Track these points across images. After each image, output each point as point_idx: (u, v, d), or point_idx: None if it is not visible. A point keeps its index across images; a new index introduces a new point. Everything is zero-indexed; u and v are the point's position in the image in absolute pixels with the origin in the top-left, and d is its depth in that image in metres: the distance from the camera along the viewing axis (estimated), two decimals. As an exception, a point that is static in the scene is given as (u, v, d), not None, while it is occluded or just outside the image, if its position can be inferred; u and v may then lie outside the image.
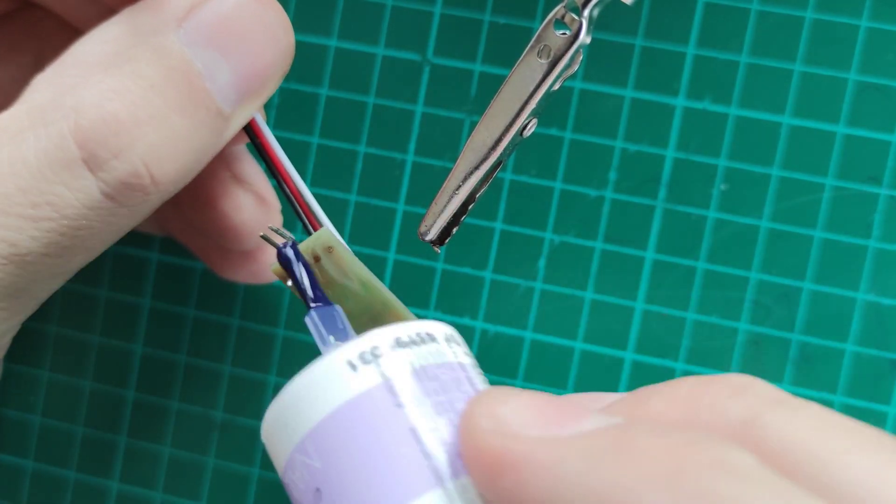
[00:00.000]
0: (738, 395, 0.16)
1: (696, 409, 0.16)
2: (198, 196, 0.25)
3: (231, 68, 0.21)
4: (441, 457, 0.15)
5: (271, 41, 0.22)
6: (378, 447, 0.15)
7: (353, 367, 0.16)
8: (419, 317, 0.28)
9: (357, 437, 0.15)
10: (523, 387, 0.28)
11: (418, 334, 0.17)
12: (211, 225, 0.25)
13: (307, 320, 0.20)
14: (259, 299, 0.29)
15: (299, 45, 0.29)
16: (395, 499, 0.15)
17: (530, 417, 0.15)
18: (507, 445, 0.15)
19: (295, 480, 0.16)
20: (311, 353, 0.29)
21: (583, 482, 0.14)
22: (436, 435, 0.15)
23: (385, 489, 0.15)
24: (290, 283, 0.21)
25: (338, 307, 0.20)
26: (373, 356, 0.16)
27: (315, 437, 0.16)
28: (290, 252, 0.21)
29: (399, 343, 0.17)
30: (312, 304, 0.20)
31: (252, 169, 0.26)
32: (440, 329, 0.18)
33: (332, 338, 0.19)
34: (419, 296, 0.28)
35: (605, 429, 0.15)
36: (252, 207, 0.25)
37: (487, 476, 0.15)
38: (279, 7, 0.22)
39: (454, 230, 0.23)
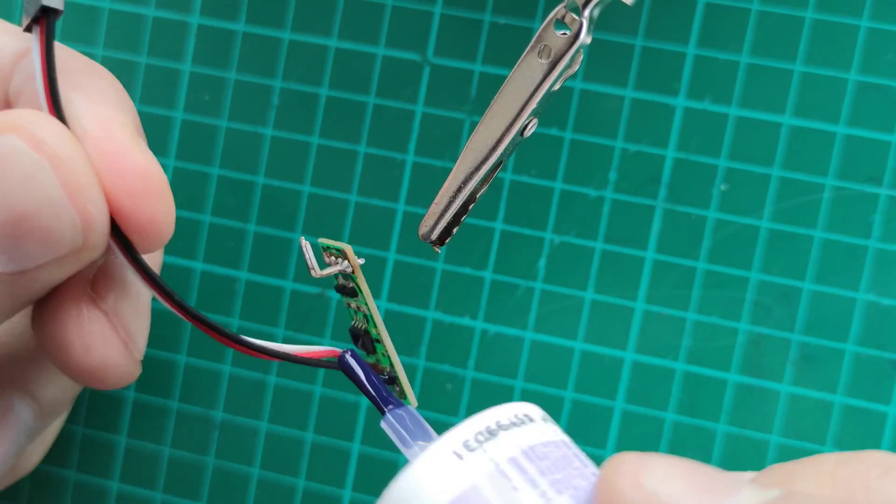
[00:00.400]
0: (890, 475, 0.15)
1: (849, 490, 0.15)
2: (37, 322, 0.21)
3: None
4: None
5: (30, 190, 0.18)
6: None
7: (460, 456, 0.16)
8: (419, 317, 0.28)
9: None
10: (523, 387, 0.28)
11: (517, 416, 0.17)
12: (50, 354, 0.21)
13: (384, 425, 0.20)
14: (259, 299, 0.29)
15: (300, 45, 0.29)
16: None
17: (680, 488, 0.15)
18: None
19: None
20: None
21: None
22: None
23: None
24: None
25: (409, 407, 0.20)
26: (477, 443, 0.16)
27: None
28: (350, 360, 0.21)
29: (501, 426, 0.16)
30: (387, 408, 0.20)
31: (123, 296, 0.22)
32: (535, 410, 0.17)
33: (418, 443, 0.19)
34: (419, 296, 0.28)
35: None
36: (102, 345, 0.21)
37: None
38: (60, 159, 0.18)
39: (454, 230, 0.23)
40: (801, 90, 0.26)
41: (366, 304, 0.23)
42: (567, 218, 0.27)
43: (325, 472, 0.29)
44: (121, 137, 0.20)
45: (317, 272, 0.22)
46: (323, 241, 0.22)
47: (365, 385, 0.21)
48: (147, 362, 0.30)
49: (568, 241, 0.27)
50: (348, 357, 0.21)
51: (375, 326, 0.23)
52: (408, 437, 0.19)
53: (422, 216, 0.24)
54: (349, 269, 0.22)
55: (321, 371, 0.29)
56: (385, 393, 0.21)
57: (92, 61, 0.22)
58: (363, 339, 0.23)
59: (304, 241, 0.22)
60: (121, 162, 0.20)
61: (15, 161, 0.18)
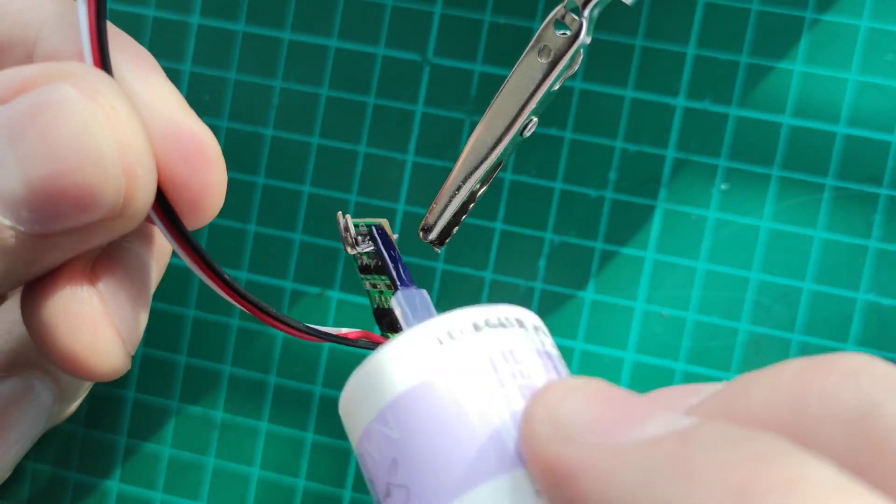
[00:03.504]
0: (851, 381, 0.14)
1: (803, 400, 0.14)
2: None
3: (19, 168, 0.17)
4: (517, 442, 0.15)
5: (79, 143, 0.17)
6: (460, 425, 0.15)
7: (441, 342, 0.16)
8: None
9: (439, 412, 0.15)
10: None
11: (507, 318, 0.17)
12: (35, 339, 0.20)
13: (393, 301, 0.20)
14: (260, 299, 0.29)
15: (300, 45, 0.29)
16: (469, 479, 0.15)
17: (590, 419, 0.14)
18: (564, 452, 0.14)
19: (371, 451, 0.16)
20: (311, 351, 0.29)
21: (641, 497, 0.13)
22: (516, 419, 0.15)
23: (461, 467, 0.15)
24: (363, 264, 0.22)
25: (423, 291, 0.20)
26: (461, 334, 0.16)
27: (396, 407, 0.16)
28: (376, 233, 0.21)
29: (488, 324, 0.16)
30: (399, 286, 0.20)
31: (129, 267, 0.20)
32: (530, 317, 0.18)
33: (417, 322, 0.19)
34: (419, 296, 0.28)
35: (667, 437, 0.13)
36: (91, 328, 0.19)
37: (548, 483, 0.14)
38: (115, 112, 0.17)
39: (454, 230, 0.23)
40: (801, 90, 0.26)
41: None
42: (567, 218, 0.27)
43: (325, 472, 0.29)
44: (174, 103, 0.19)
45: (355, 249, 0.22)
46: (354, 220, 0.22)
47: (385, 256, 0.21)
48: (147, 362, 0.30)
49: (568, 241, 0.27)
50: (374, 231, 0.21)
51: None
52: (412, 316, 0.19)
53: (422, 216, 0.24)
54: None
55: (321, 370, 0.29)
56: (403, 272, 0.21)
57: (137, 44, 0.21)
58: (390, 319, 0.23)
59: (341, 215, 0.21)
60: (176, 127, 0.18)
61: (67, 110, 0.16)
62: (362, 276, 0.23)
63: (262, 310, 0.20)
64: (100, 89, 0.17)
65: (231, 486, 0.29)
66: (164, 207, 0.18)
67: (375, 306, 0.23)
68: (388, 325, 0.23)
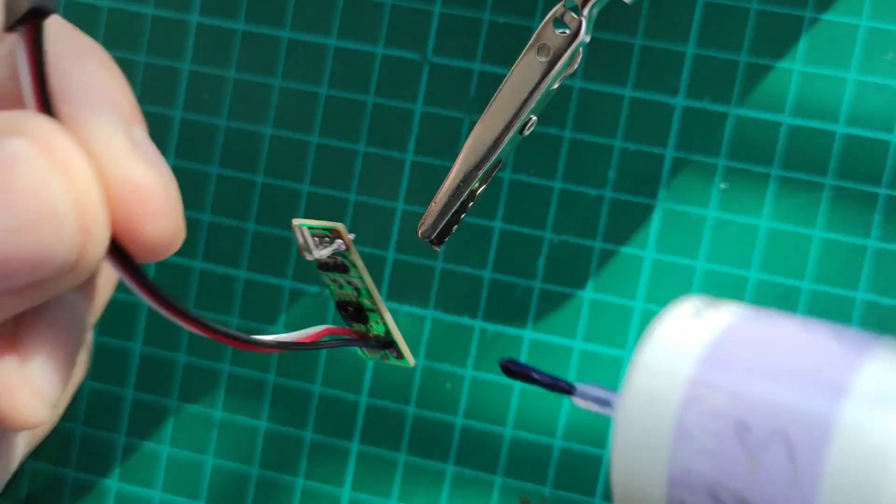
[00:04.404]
0: None
1: None
2: None
3: None
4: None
5: (36, 199, 0.16)
6: (797, 342, 0.15)
7: (699, 314, 0.16)
8: (417, 316, 0.28)
9: (765, 347, 0.15)
10: (523, 386, 0.28)
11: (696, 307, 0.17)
12: None
13: (577, 400, 0.20)
14: (258, 299, 0.29)
15: (300, 44, 0.29)
16: (844, 366, 0.14)
17: None
18: None
19: (695, 449, 0.15)
20: (310, 351, 0.29)
21: None
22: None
23: (830, 363, 0.14)
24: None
25: (577, 383, 0.20)
26: (696, 312, 0.16)
27: (705, 377, 0.15)
28: (514, 365, 0.21)
29: (699, 310, 0.17)
30: (572, 388, 0.20)
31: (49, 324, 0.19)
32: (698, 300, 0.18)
33: (611, 394, 0.19)
34: (419, 296, 0.28)
35: None
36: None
37: None
38: (72, 167, 0.16)
39: (454, 229, 0.24)
40: (801, 90, 0.26)
41: (360, 277, 0.23)
42: (566, 217, 0.27)
43: (324, 471, 0.29)
44: (122, 151, 0.18)
45: (312, 255, 0.22)
46: (309, 222, 0.22)
47: (539, 380, 0.21)
48: (146, 361, 0.30)
49: (567, 241, 0.27)
50: (510, 363, 0.21)
51: (370, 297, 0.23)
52: (603, 395, 0.19)
53: (421, 215, 0.24)
54: (343, 248, 0.22)
55: (320, 369, 0.29)
56: (554, 376, 0.21)
57: (80, 39, 0.20)
58: (354, 310, 0.24)
59: (296, 223, 0.22)
60: (122, 180, 0.18)
61: (22, 167, 0.16)
62: (321, 272, 0.23)
63: (224, 335, 0.19)
64: (55, 143, 0.16)
65: (230, 484, 0.29)
66: (117, 252, 0.18)
67: (336, 298, 0.24)
68: (353, 315, 0.23)
